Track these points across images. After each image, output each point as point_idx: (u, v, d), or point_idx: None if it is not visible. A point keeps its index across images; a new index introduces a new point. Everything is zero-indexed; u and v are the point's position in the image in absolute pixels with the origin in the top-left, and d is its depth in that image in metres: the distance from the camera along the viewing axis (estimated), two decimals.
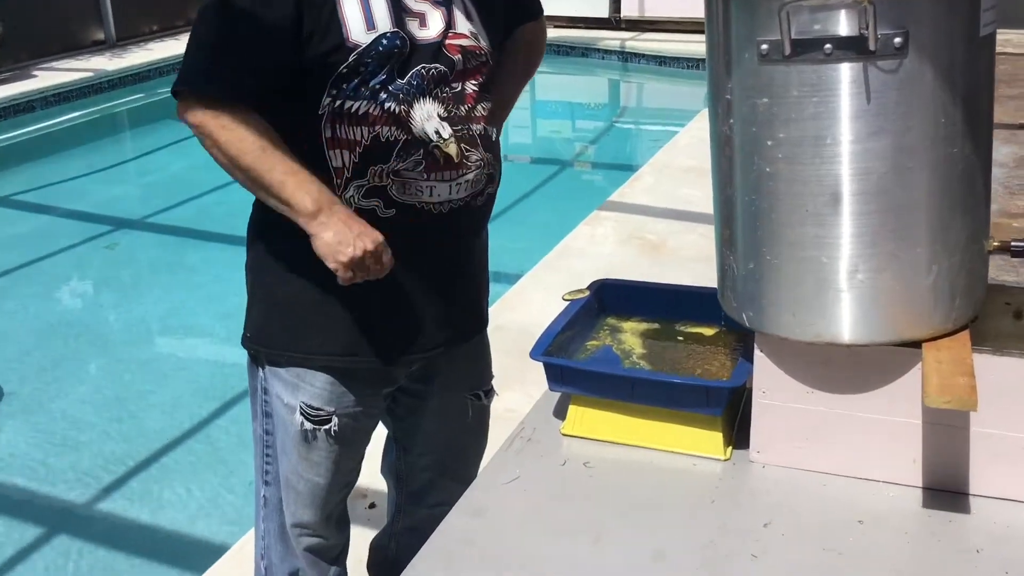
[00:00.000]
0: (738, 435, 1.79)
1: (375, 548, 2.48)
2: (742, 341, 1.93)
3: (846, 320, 1.57)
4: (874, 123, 1.47)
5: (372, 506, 3.40)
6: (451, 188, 1.87)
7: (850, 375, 1.66)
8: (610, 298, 2.09)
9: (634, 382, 1.74)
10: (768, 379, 1.70)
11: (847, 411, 1.68)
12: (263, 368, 2.02)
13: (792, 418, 1.71)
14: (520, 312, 4.39)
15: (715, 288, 1.81)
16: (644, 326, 2.04)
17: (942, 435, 1.63)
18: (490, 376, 2.28)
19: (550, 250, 5.27)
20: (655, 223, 5.52)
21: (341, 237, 1.74)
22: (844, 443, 1.69)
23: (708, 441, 1.75)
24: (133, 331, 5.53)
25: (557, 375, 1.80)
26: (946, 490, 1.65)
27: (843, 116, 1.48)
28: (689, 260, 4.93)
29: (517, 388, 3.76)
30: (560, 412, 1.90)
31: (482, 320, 2.14)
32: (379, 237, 1.77)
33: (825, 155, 1.50)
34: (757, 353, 1.70)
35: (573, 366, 1.78)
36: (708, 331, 2.01)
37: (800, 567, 1.49)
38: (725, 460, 1.75)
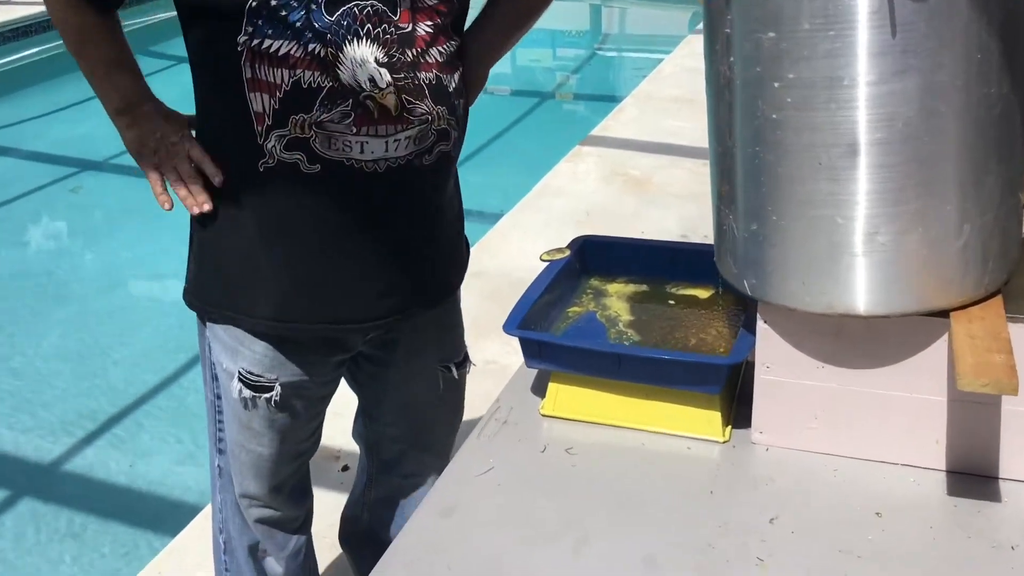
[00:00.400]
0: (737, 413, 1.60)
1: (347, 519, 2.32)
2: (741, 305, 1.73)
3: (864, 288, 1.37)
4: (899, 61, 1.26)
5: (345, 468, 3.23)
6: (387, 145, 1.64)
7: (866, 348, 1.46)
8: (593, 256, 1.88)
9: (620, 358, 1.54)
10: (773, 353, 1.50)
11: (862, 388, 1.48)
12: (206, 327, 1.82)
13: (800, 396, 1.51)
14: (500, 257, 4.18)
15: (710, 245, 1.61)
16: (631, 288, 1.83)
17: (969, 414, 1.44)
18: (463, 346, 2.08)
19: (530, 189, 5.05)
20: (640, 158, 5.30)
21: (144, 139, 1.68)
22: (858, 423, 1.50)
23: (705, 421, 1.56)
24: (99, 280, 5.30)
25: (534, 351, 1.60)
26: (973, 474, 1.46)
27: (862, 53, 1.26)
28: (677, 197, 4.72)
29: (496, 337, 3.57)
30: (539, 389, 1.70)
31: (446, 286, 1.92)
32: (180, 131, 1.70)
33: (841, 99, 1.29)
34: (760, 324, 1.50)
35: (552, 341, 1.58)
36: (703, 293, 1.81)
37: (812, 574, 1.30)
38: (723, 442, 1.56)
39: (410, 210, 1.75)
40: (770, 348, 1.51)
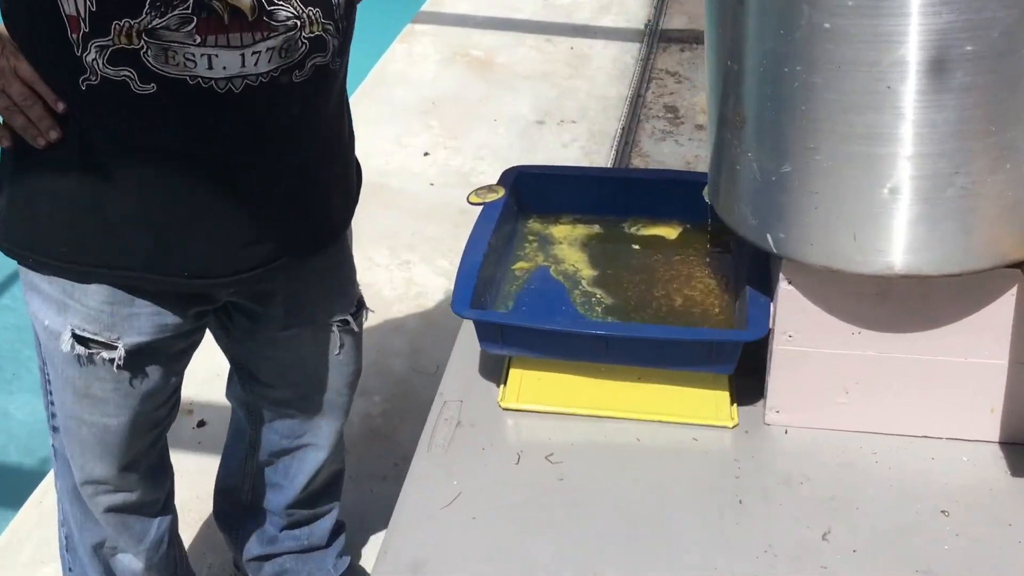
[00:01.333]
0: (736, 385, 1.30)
1: (224, 492, 1.96)
2: (719, 245, 1.42)
3: (936, 243, 1.07)
4: None
5: (201, 424, 2.79)
6: (243, 58, 1.24)
7: (915, 309, 1.18)
8: (528, 192, 1.53)
9: (608, 341, 1.21)
10: (797, 320, 1.20)
11: (907, 354, 1.21)
12: (27, 278, 1.44)
13: (829, 367, 1.23)
14: None
15: (668, 171, 1.30)
16: (581, 230, 1.49)
17: None
18: (356, 293, 1.72)
19: (364, 76, 4.56)
20: (479, 36, 4.86)
21: None
22: (899, 395, 1.23)
23: (711, 405, 1.26)
24: None
25: (494, 335, 1.24)
26: None
27: None
28: (526, 79, 4.34)
29: (355, 251, 3.18)
30: (491, 372, 1.35)
31: (329, 230, 1.56)
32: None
33: None
34: (783, 286, 1.19)
35: (520, 324, 1.23)
36: (669, 233, 1.49)
37: None
38: (732, 427, 1.26)
39: (279, 140, 1.35)
40: (794, 314, 1.21)
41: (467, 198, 1.47)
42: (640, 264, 1.42)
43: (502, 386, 1.32)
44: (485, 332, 1.25)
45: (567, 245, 1.46)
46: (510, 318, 1.24)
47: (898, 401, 1.24)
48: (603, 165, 3.55)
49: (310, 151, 1.42)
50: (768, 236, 1.16)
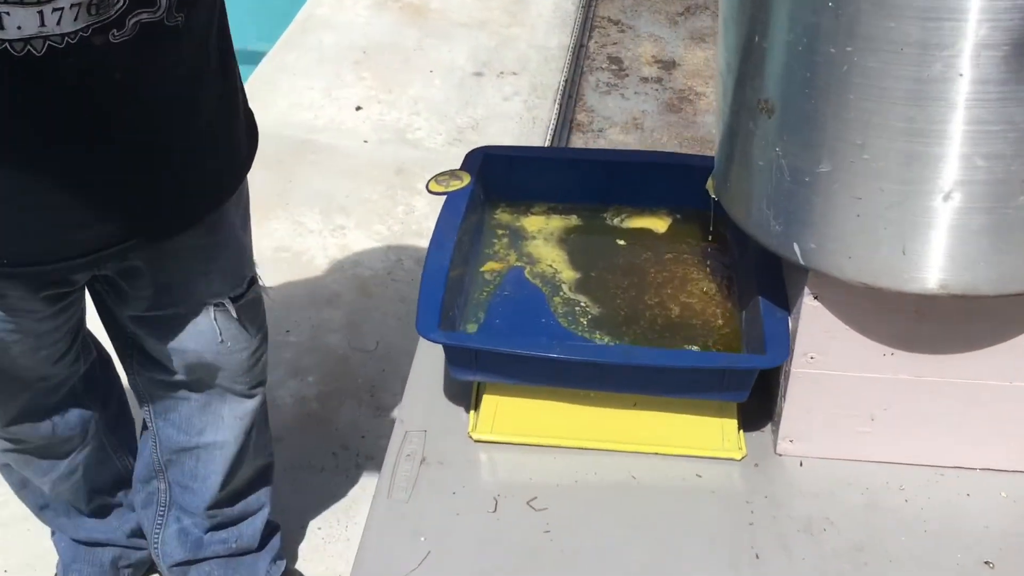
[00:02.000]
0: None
1: (141, 484, 1.73)
2: (718, 243, 1.24)
3: (1001, 260, 0.90)
4: None
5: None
6: (41, 15, 1.02)
7: (957, 328, 1.01)
8: (496, 178, 1.32)
9: (602, 368, 1.02)
10: (823, 340, 1.03)
11: (945, 377, 1.05)
12: None
13: (855, 392, 1.06)
14: (272, 110, 3.47)
15: (655, 153, 1.10)
16: (557, 222, 1.29)
17: None
18: (244, 270, 1.47)
19: (288, 21, 4.26)
20: None
21: None
22: (933, 422, 1.07)
23: (716, 435, 1.09)
24: None
25: (467, 360, 1.04)
26: None
27: None
28: (463, 27, 4.09)
29: (283, 217, 2.96)
30: (457, 393, 1.16)
31: (187, 212, 1.32)
32: None
33: None
34: (807, 302, 1.01)
35: (499, 350, 1.03)
36: (658, 224, 1.30)
37: None
38: (740, 459, 1.09)
39: (101, 112, 1.14)
40: (819, 333, 1.03)
41: (427, 186, 1.26)
42: (627, 264, 1.23)
43: (473, 412, 1.12)
44: (456, 357, 1.05)
45: (542, 240, 1.26)
46: (487, 342, 1.04)
47: (930, 429, 1.08)
48: (546, 120, 3.35)
49: (147, 124, 1.20)
50: (795, 246, 0.97)
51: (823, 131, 0.90)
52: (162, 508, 1.67)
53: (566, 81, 3.64)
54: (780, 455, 1.11)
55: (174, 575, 1.73)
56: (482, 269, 1.22)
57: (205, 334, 1.44)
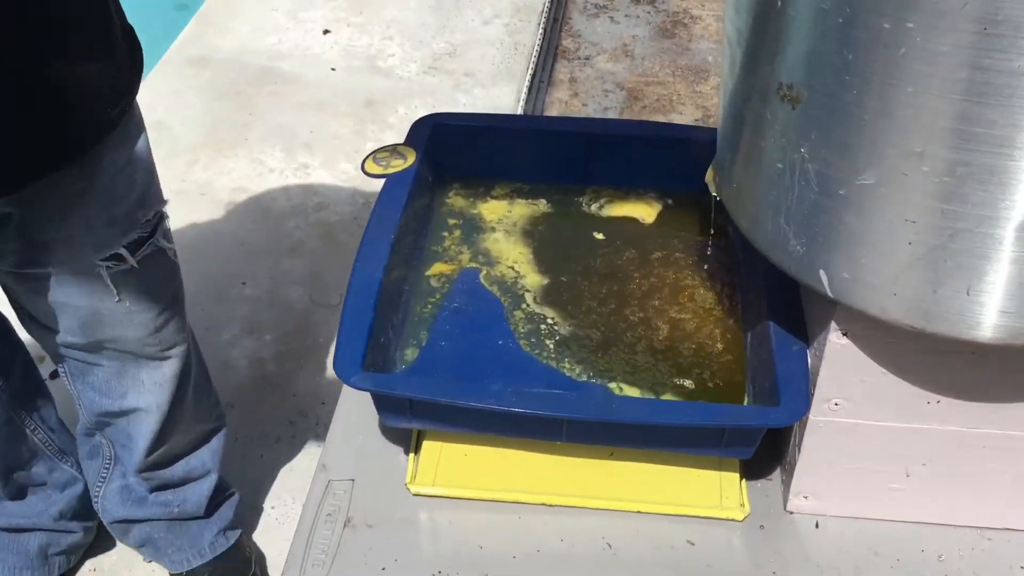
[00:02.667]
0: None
1: (84, 438, 1.54)
2: (720, 238, 1.01)
3: None
4: None
5: (54, 375, 2.33)
6: None
7: (1018, 373, 0.79)
8: (447, 151, 1.08)
9: (566, 425, 0.80)
10: (852, 385, 0.81)
11: (1004, 429, 0.82)
12: None
13: (892, 445, 0.85)
14: (229, 36, 3.19)
15: (640, 124, 0.89)
16: (522, 208, 1.06)
17: None
18: (134, 224, 1.22)
19: None
20: None
21: None
22: (980, 477, 0.86)
23: (711, 488, 0.87)
24: None
25: (400, 408, 0.82)
26: None
27: None
28: None
29: (242, 154, 2.71)
30: (392, 433, 0.93)
31: (45, 152, 1.08)
32: None
33: None
34: (836, 341, 0.79)
35: (439, 401, 0.80)
36: (645, 212, 1.07)
37: None
38: (743, 520, 0.88)
39: None
40: (846, 376, 0.81)
41: (362, 165, 1.03)
42: (606, 266, 1.00)
43: (412, 457, 0.90)
44: (386, 404, 0.83)
45: (503, 234, 1.03)
46: (423, 388, 0.81)
47: (978, 487, 0.87)
48: (529, 46, 3.08)
49: (18, 44, 0.96)
50: (822, 274, 0.74)
51: (867, 132, 0.67)
52: (107, 462, 1.51)
53: (551, 2, 3.36)
54: (791, 513, 0.90)
55: (115, 531, 1.60)
56: (428, 273, 0.99)
57: (97, 294, 1.24)
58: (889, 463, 0.86)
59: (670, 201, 1.08)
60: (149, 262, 1.24)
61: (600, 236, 1.04)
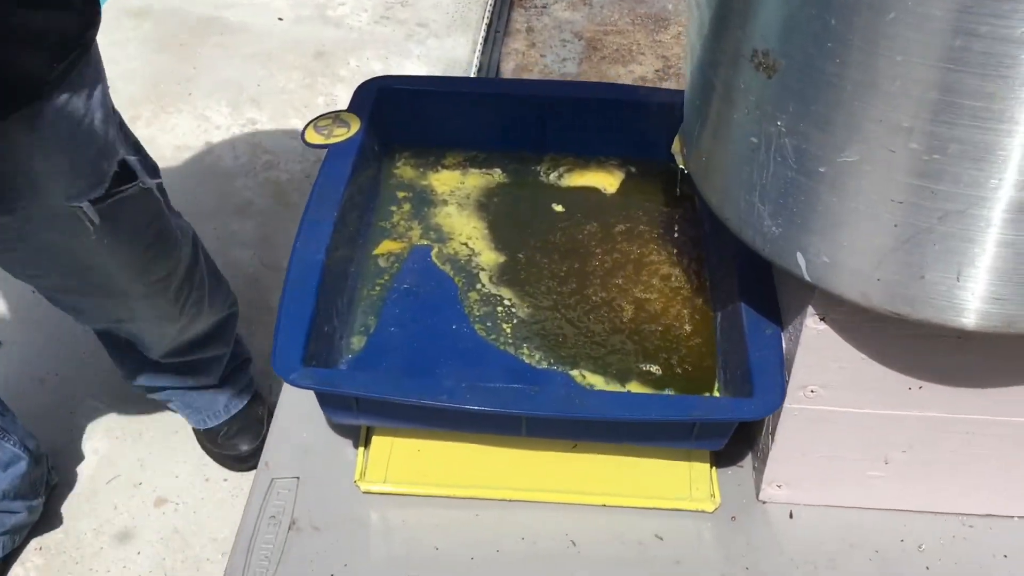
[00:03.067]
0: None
1: (99, 333, 1.59)
2: (681, 202, 0.95)
3: None
4: None
5: None
6: None
7: (1005, 357, 0.74)
8: (394, 118, 1.01)
9: (528, 420, 0.74)
10: (830, 371, 0.76)
11: (988, 414, 0.78)
12: None
13: (870, 432, 0.80)
14: None
15: (600, 87, 0.85)
16: (476, 179, 0.99)
17: None
18: (102, 171, 1.17)
19: None
20: None
21: None
22: (968, 464, 0.81)
23: (680, 479, 0.82)
24: None
25: (347, 404, 0.76)
26: None
27: None
28: None
29: (186, 109, 2.61)
30: (337, 425, 0.87)
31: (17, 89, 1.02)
32: None
33: None
34: (812, 327, 0.73)
35: (387, 399, 0.74)
36: (607, 181, 1.00)
37: None
38: (713, 511, 0.83)
39: None
40: (823, 363, 0.76)
41: (302, 134, 0.95)
42: (566, 241, 0.94)
43: (361, 452, 0.84)
44: (330, 401, 0.76)
45: (456, 207, 0.97)
46: (370, 385, 0.75)
47: (960, 473, 0.83)
48: None
49: None
50: (799, 256, 0.69)
51: (850, 105, 0.60)
52: (120, 337, 1.52)
53: None
54: (764, 503, 0.85)
55: (139, 391, 1.68)
56: (375, 252, 0.92)
57: (75, 238, 1.19)
58: (867, 451, 0.81)
59: (633, 169, 1.02)
60: (121, 205, 1.19)
61: (559, 208, 0.98)
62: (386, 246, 0.93)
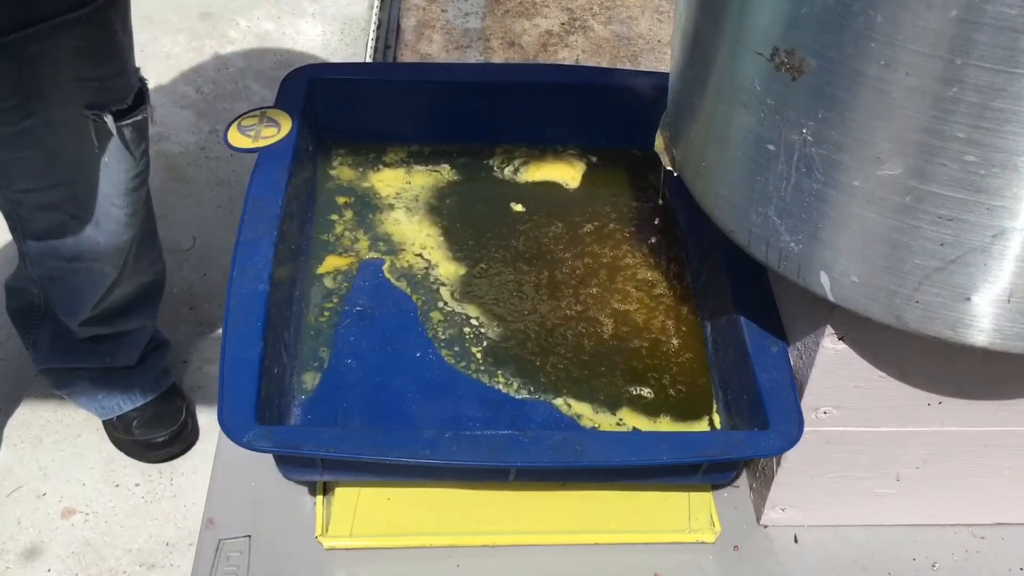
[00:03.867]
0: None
1: (13, 290, 1.58)
2: (648, 193, 0.87)
3: None
4: None
5: None
6: None
7: (1019, 367, 0.69)
8: (328, 110, 0.89)
9: (519, 469, 0.65)
10: (846, 391, 0.69)
11: (1007, 425, 0.72)
12: None
13: (885, 449, 0.74)
14: None
15: (555, 69, 0.83)
16: (422, 178, 0.89)
17: None
18: (128, 83, 1.22)
19: None
20: None
21: None
22: (983, 475, 0.76)
23: (679, 510, 0.75)
24: None
25: (311, 462, 0.66)
26: None
27: None
28: None
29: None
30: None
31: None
32: None
33: None
34: (830, 346, 0.66)
35: (355, 458, 0.64)
36: (567, 174, 0.91)
37: None
38: (714, 542, 0.76)
39: None
40: (840, 383, 0.69)
41: (224, 137, 0.84)
42: (531, 245, 0.85)
43: (321, 502, 0.74)
44: (289, 459, 0.66)
45: (404, 211, 0.86)
46: (336, 442, 0.64)
47: (969, 484, 0.77)
48: None
49: None
50: (822, 275, 0.61)
51: (895, 113, 0.52)
52: (38, 310, 1.51)
53: None
54: (766, 527, 0.78)
55: (46, 377, 1.61)
56: (320, 271, 0.81)
57: (81, 143, 1.22)
58: (879, 469, 0.75)
59: (594, 159, 0.93)
60: (131, 128, 1.23)
61: (519, 208, 0.89)
62: (331, 263, 0.82)
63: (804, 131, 0.57)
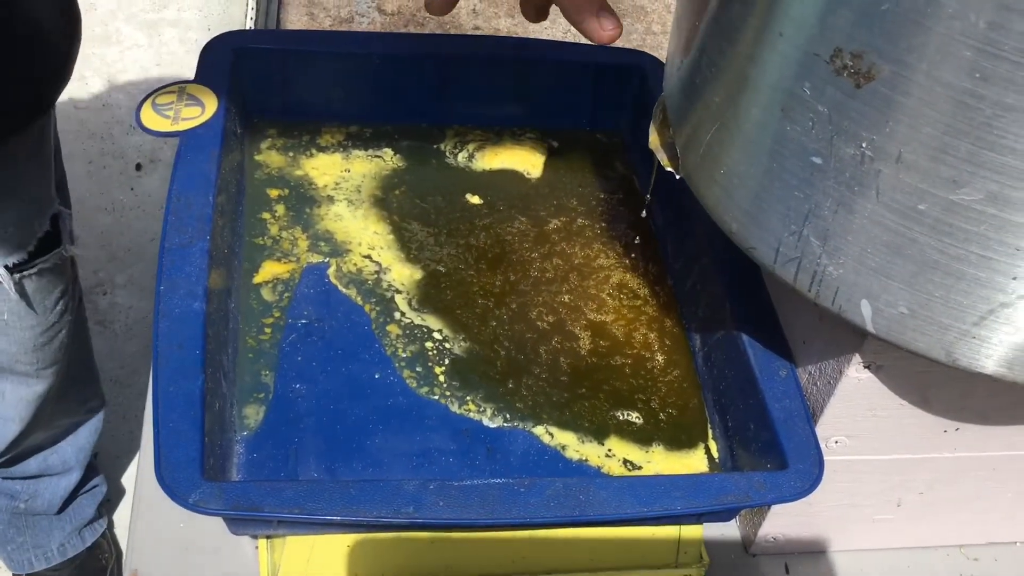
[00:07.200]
0: None
1: None
2: (619, 180, 0.79)
3: None
4: None
5: None
6: None
7: None
8: (254, 87, 0.78)
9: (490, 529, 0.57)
10: (861, 420, 0.62)
11: (1012, 449, 0.68)
12: None
13: (890, 477, 0.68)
14: None
15: (509, 41, 0.85)
16: (363, 165, 0.79)
17: None
18: (29, 237, 0.94)
19: None
20: None
21: None
22: (986, 498, 0.71)
23: (667, 541, 0.68)
24: None
25: (267, 521, 0.56)
26: None
27: None
28: None
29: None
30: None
31: None
32: None
33: None
34: (854, 375, 0.59)
35: (314, 518, 0.54)
36: (528, 160, 0.82)
37: None
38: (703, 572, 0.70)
39: None
40: (861, 412, 0.62)
41: (136, 117, 0.71)
42: (493, 243, 0.76)
43: (264, 546, 0.64)
44: (242, 519, 0.56)
45: (346, 205, 0.76)
46: (303, 501, 0.54)
47: (971, 507, 0.73)
48: None
49: None
50: (864, 303, 0.54)
51: (983, 131, 0.45)
52: None
53: None
54: (755, 556, 0.72)
55: None
56: (256, 280, 0.70)
57: None
58: (883, 496, 0.69)
59: (555, 143, 0.83)
60: (41, 276, 0.98)
61: (476, 200, 0.79)
62: (269, 270, 0.71)
63: (864, 145, 0.49)
